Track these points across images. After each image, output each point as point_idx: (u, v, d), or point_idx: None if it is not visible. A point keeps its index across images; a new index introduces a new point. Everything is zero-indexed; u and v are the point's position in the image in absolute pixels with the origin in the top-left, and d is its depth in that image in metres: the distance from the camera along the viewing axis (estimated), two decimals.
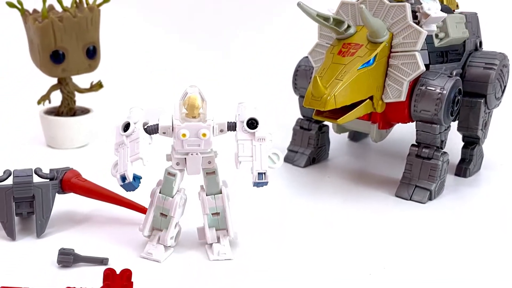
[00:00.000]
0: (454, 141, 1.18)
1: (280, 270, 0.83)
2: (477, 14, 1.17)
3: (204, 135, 0.81)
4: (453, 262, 0.86)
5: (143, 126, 0.83)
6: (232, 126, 0.83)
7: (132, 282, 0.72)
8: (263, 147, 0.82)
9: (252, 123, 0.82)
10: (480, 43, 1.18)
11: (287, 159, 1.22)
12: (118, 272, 0.73)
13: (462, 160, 1.18)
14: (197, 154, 0.83)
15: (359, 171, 1.20)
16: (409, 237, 0.93)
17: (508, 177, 1.18)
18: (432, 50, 1.05)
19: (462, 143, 1.18)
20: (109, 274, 0.73)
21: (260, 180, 0.81)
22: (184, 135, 0.81)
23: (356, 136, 1.37)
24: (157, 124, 0.83)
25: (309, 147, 1.22)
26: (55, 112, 1.31)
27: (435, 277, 0.82)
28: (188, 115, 0.82)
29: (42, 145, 1.30)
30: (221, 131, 0.83)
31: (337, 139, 1.32)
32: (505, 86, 1.15)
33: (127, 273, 0.73)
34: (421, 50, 1.00)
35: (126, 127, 0.83)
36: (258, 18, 1.95)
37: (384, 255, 0.88)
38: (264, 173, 0.81)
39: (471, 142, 1.17)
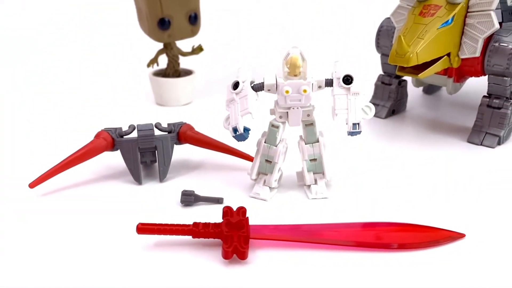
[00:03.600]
0: None
1: (370, 206, 0.86)
2: None
3: (304, 91, 0.82)
4: None
5: (250, 84, 0.85)
6: (329, 83, 0.84)
7: (248, 217, 0.76)
8: (357, 100, 0.83)
9: (348, 79, 0.83)
10: None
11: None
12: (234, 209, 0.77)
13: None
14: (298, 108, 0.84)
15: (434, 121, 1.21)
16: (481, 177, 0.95)
17: None
18: (505, 9, 1.05)
19: None
20: (227, 211, 0.77)
21: (355, 130, 0.83)
22: (287, 91, 0.82)
23: (430, 90, 1.37)
24: (263, 83, 0.85)
25: (389, 100, 1.22)
26: (162, 73, 1.33)
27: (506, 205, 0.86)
28: (290, 73, 0.83)
29: (152, 103, 1.34)
30: (319, 87, 0.85)
31: (413, 93, 1.32)
32: None
33: (242, 210, 0.77)
34: (495, 9, 1.00)
35: (236, 85, 0.84)
36: None
37: (458, 193, 0.90)
38: (358, 124, 0.82)
39: None
